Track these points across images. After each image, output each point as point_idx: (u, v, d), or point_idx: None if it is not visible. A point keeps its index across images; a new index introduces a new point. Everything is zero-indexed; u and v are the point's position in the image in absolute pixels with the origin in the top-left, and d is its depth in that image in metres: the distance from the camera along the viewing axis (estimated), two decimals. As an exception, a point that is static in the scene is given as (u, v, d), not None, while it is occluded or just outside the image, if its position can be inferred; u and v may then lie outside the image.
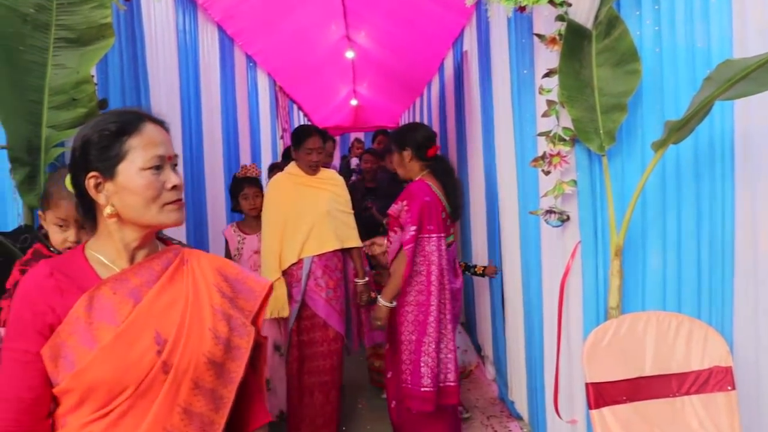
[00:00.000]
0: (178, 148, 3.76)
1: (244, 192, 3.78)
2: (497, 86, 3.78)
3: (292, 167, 3.71)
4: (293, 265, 3.54)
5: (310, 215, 3.54)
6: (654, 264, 2.38)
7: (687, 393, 2.17)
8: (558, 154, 2.40)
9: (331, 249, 3.57)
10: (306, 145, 3.55)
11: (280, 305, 3.50)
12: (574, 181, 2.43)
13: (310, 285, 3.55)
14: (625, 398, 2.15)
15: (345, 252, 3.69)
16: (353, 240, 3.71)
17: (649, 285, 2.39)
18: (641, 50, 2.32)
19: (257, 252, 3.72)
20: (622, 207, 2.36)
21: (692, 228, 2.33)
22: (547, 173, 2.47)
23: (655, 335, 2.22)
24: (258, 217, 3.73)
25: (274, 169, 5.20)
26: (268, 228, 3.59)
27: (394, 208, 3.15)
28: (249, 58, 6.16)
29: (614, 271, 2.35)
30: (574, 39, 2.32)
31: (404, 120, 11.43)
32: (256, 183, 3.84)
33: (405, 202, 3.10)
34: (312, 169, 3.61)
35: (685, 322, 2.23)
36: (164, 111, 3.47)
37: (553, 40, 2.41)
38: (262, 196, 3.77)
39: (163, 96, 3.50)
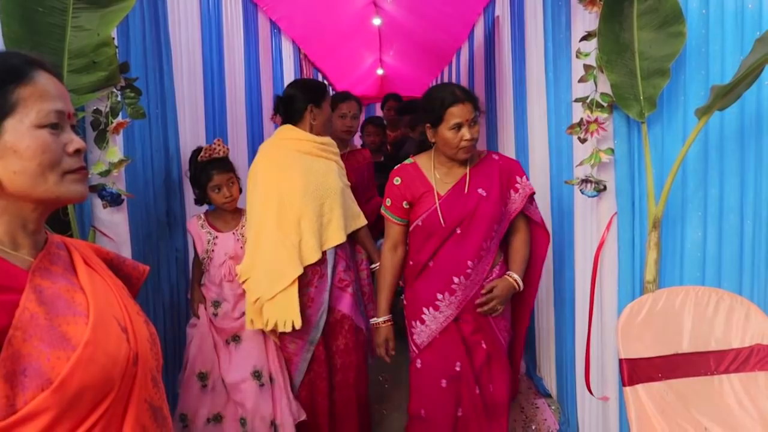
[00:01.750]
0: (200, 117, 3.74)
1: (215, 182, 2.88)
2: (530, 51, 3.66)
3: (288, 130, 2.95)
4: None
5: (326, 195, 2.86)
6: (694, 237, 2.29)
7: (726, 371, 2.09)
8: (595, 121, 2.30)
9: (349, 231, 2.97)
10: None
11: (292, 314, 2.73)
12: (612, 150, 2.34)
13: (336, 284, 2.95)
14: (660, 375, 2.08)
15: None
16: (361, 218, 3.08)
17: (687, 259, 2.31)
18: (686, 11, 2.20)
19: (234, 258, 2.92)
20: (661, 177, 2.28)
21: (735, 200, 2.24)
22: (584, 141, 2.38)
23: (693, 311, 2.14)
24: (236, 211, 3.01)
25: None
26: (271, 214, 2.80)
27: (527, 184, 2.56)
28: (273, 24, 6.06)
29: (652, 243, 2.27)
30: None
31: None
32: (227, 166, 2.93)
33: (525, 176, 2.58)
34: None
35: (725, 297, 2.15)
36: (186, 77, 3.43)
37: (592, 2, 2.30)
38: (238, 180, 2.99)
39: (185, 60, 3.42)
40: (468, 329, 2.51)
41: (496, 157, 2.57)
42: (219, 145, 2.92)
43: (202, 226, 2.95)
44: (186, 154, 3.18)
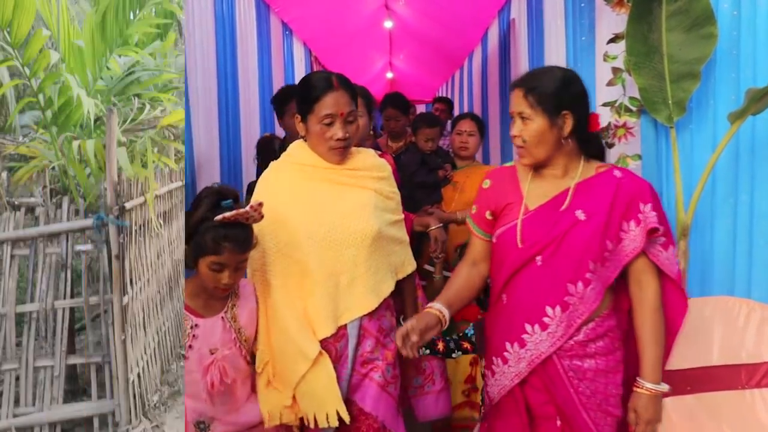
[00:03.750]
0: (213, 119, 3.69)
1: (222, 259, 1.84)
2: (550, 55, 3.62)
3: (299, 150, 2.10)
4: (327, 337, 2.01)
5: (348, 242, 2.00)
6: (723, 246, 2.23)
7: (758, 386, 2.02)
8: (624, 125, 2.25)
9: (387, 294, 2.10)
10: (320, 109, 1.96)
11: (333, 401, 1.95)
12: (639, 156, 2.30)
13: (357, 367, 2.06)
14: (689, 388, 2.02)
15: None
16: (409, 263, 2.23)
17: (717, 268, 2.24)
18: (717, 13, 2.14)
19: (225, 359, 1.92)
20: (690, 184, 2.22)
21: (766, 208, 2.17)
22: (611, 146, 2.33)
23: (724, 322, 2.08)
24: (227, 297, 2.00)
25: (268, 147, 3.25)
26: (273, 268, 2.04)
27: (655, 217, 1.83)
28: (285, 25, 6.05)
29: (680, 252, 2.21)
30: (643, 1, 2.16)
31: (442, 94, 11.16)
32: (247, 244, 1.90)
33: (651, 204, 1.84)
34: (336, 154, 2.02)
35: (756, 308, 2.08)
36: (200, 76, 3.40)
37: (619, 3, 2.25)
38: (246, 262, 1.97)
39: (199, 61, 3.40)
40: (537, 399, 1.87)
41: (619, 174, 1.87)
42: (258, 212, 1.87)
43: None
44: (200, 157, 3.14)
